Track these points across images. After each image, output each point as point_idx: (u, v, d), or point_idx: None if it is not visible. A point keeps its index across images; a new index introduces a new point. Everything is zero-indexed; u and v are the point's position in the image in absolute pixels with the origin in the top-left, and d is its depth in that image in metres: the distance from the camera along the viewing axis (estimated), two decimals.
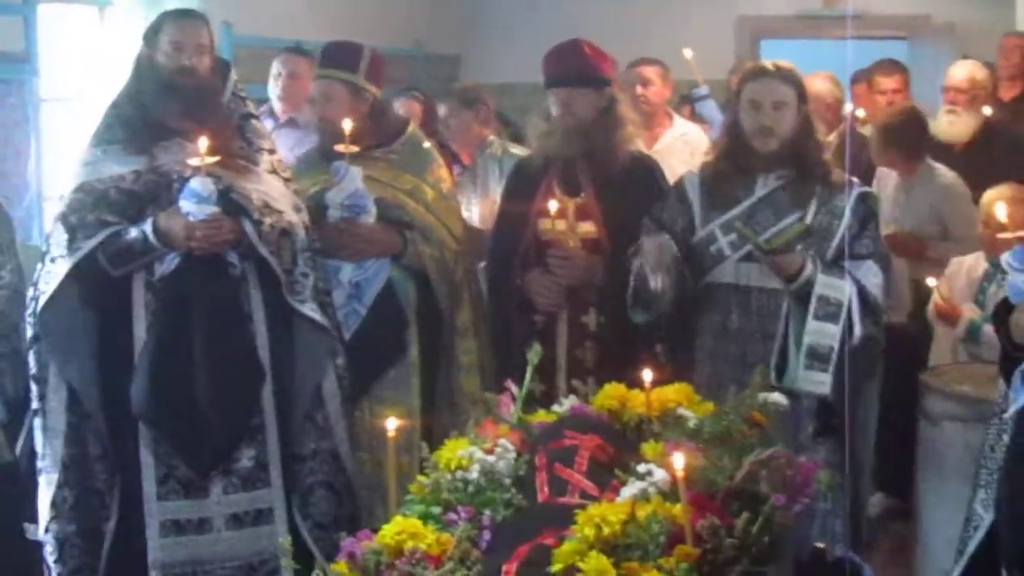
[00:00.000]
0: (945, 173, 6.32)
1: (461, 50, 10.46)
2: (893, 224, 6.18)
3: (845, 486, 4.63)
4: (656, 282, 4.54)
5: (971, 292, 5.68)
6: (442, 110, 6.64)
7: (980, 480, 3.83)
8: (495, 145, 6.33)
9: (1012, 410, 3.62)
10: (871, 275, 4.62)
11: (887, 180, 6.38)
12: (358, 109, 5.04)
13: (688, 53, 7.22)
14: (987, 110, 6.84)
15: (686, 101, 7.95)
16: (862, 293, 4.57)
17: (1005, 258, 3.62)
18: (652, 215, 4.80)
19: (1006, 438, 3.74)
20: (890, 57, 8.01)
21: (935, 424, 4.63)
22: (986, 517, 3.78)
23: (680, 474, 2.84)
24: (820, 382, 4.51)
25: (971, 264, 5.75)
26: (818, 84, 6.88)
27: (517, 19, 10.28)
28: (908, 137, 6.37)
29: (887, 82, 7.55)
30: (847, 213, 4.63)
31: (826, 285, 4.51)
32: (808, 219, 4.60)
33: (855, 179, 4.76)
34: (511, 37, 9.98)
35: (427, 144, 5.32)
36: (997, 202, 5.45)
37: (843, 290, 4.53)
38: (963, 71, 7.04)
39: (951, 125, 6.71)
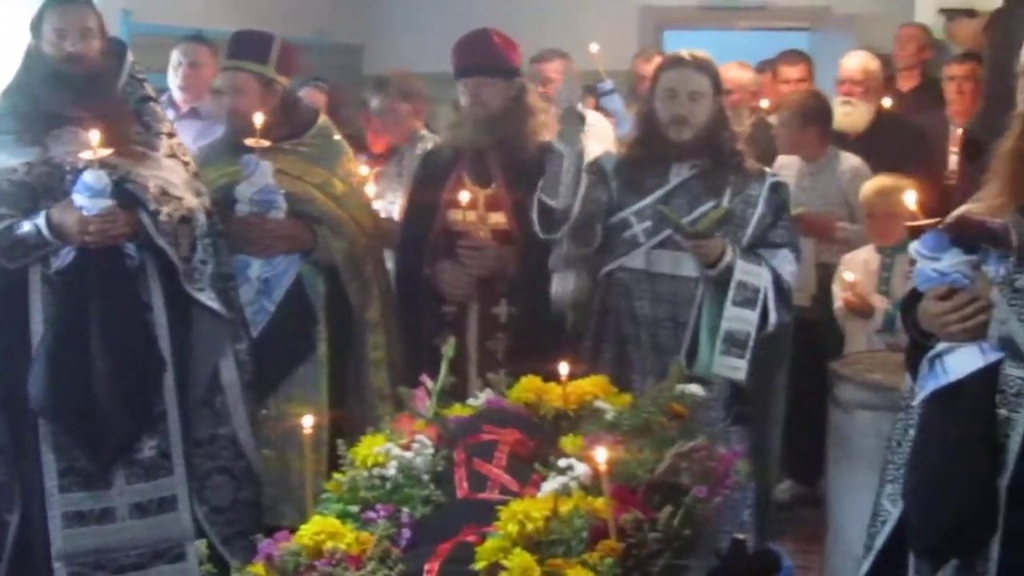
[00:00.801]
0: (850, 157, 6.40)
1: (364, 39, 10.37)
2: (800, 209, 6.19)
3: (754, 475, 4.65)
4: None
5: (873, 284, 5.73)
6: (375, 101, 6.51)
7: (887, 475, 3.83)
8: (426, 138, 6.25)
9: (919, 397, 3.64)
10: (786, 263, 4.67)
11: (788, 169, 6.39)
12: (269, 101, 4.95)
13: (594, 48, 7.20)
14: (887, 101, 6.89)
15: (591, 92, 7.93)
16: (777, 281, 4.60)
17: (914, 247, 3.63)
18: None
19: (912, 432, 3.78)
20: (793, 48, 8.09)
21: (847, 412, 4.65)
22: (893, 511, 3.78)
23: (603, 468, 2.81)
24: (737, 368, 4.54)
25: (866, 257, 5.81)
26: (737, 72, 6.92)
27: (419, 8, 10.22)
28: (822, 118, 6.45)
29: (791, 71, 7.63)
30: (761, 202, 4.66)
31: (745, 271, 4.55)
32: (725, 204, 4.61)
33: (768, 168, 4.78)
34: (414, 26, 9.91)
35: (338, 136, 5.24)
36: (881, 192, 5.54)
37: (761, 277, 4.58)
38: (856, 62, 7.10)
39: (846, 116, 6.76)
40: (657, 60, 7.39)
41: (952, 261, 3.50)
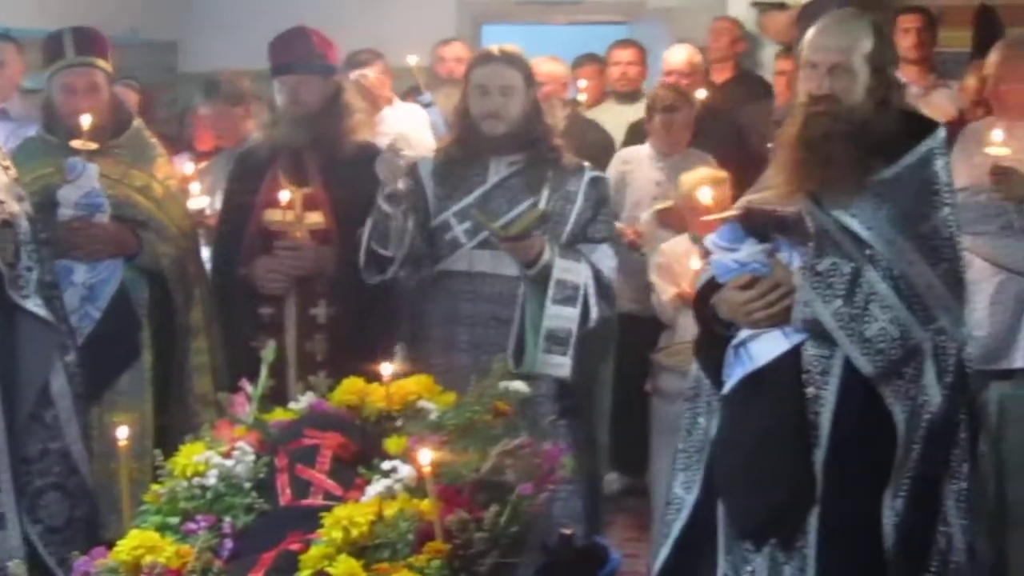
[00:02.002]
0: (703, 153, 6.43)
1: (178, 36, 10.17)
2: (659, 201, 6.27)
3: (583, 467, 4.68)
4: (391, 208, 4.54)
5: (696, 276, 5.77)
6: (204, 108, 6.35)
7: (679, 464, 3.96)
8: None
9: (727, 387, 3.73)
10: (606, 258, 4.70)
11: (636, 162, 6.44)
12: (109, 99, 4.89)
13: (412, 60, 7.20)
14: (701, 93, 6.99)
15: (413, 92, 7.91)
16: (598, 276, 4.63)
17: (711, 239, 3.75)
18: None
19: (702, 420, 3.89)
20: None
21: (670, 402, 4.69)
22: (688, 498, 3.89)
23: (427, 470, 2.79)
24: (560, 365, 4.56)
25: (685, 249, 5.86)
26: (548, 65, 6.94)
27: (235, 5, 10.04)
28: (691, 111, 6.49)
29: (622, 54, 7.68)
30: (579, 197, 4.68)
31: (564, 269, 4.56)
32: (542, 204, 4.62)
33: (587, 163, 4.81)
34: (229, 23, 9.74)
35: (153, 139, 5.13)
36: (700, 187, 5.63)
37: (580, 273, 4.59)
38: (682, 55, 7.21)
39: None
40: (457, 45, 7.48)
41: (750, 251, 3.66)
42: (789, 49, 7.31)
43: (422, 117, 7.03)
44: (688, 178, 5.90)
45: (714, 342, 3.83)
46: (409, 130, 6.68)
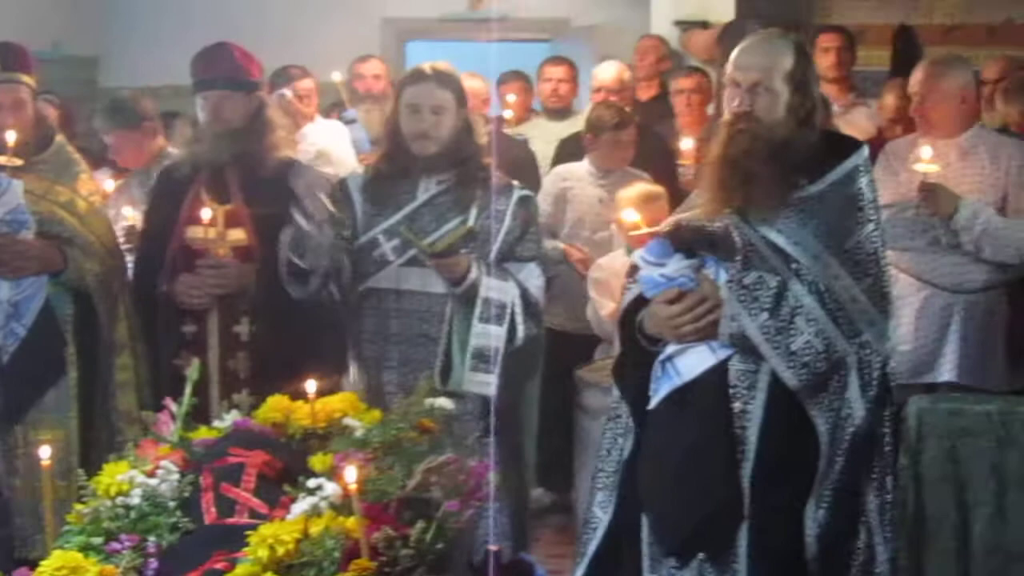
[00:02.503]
0: (640, 172, 6.47)
1: (100, 52, 10.10)
2: (601, 218, 6.35)
3: (510, 484, 4.69)
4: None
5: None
6: (109, 138, 6.26)
7: (598, 483, 3.97)
8: (173, 155, 6.06)
9: (654, 401, 3.75)
10: (533, 277, 4.70)
11: (576, 179, 6.46)
12: (33, 115, 4.84)
13: (336, 76, 7.20)
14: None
15: (337, 107, 7.90)
16: (525, 295, 4.63)
17: (639, 254, 3.78)
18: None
19: (621, 440, 3.91)
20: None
21: (594, 418, 4.72)
22: (604, 518, 3.91)
23: (353, 488, 2.79)
24: (486, 383, 4.56)
25: (623, 264, 5.88)
26: (469, 81, 6.93)
27: (158, 20, 10.01)
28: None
29: (554, 71, 7.71)
30: (508, 216, 4.68)
31: (491, 288, 4.56)
32: (470, 222, 4.62)
33: (516, 182, 4.82)
34: (152, 39, 9.71)
35: (75, 154, 5.07)
36: (636, 203, 5.67)
37: (508, 292, 4.59)
38: (612, 71, 7.26)
39: None
40: (375, 62, 7.48)
41: (677, 266, 3.68)
42: (694, 69, 7.40)
43: (343, 133, 7.03)
44: (625, 195, 5.93)
45: (637, 361, 3.84)
46: (330, 147, 6.69)
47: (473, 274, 4.52)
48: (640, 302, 3.81)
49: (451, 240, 4.50)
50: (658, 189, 5.94)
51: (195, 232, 4.78)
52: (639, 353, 3.84)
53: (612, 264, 5.94)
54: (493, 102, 8.06)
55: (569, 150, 6.98)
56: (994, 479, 3.29)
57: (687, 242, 3.74)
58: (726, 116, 3.73)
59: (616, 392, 3.96)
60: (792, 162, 3.61)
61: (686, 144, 6.58)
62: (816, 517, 3.54)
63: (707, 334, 3.64)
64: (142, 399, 4.84)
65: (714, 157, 3.70)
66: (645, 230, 3.78)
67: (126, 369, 4.94)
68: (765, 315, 3.52)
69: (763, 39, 3.77)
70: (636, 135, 6.51)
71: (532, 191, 4.97)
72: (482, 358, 4.55)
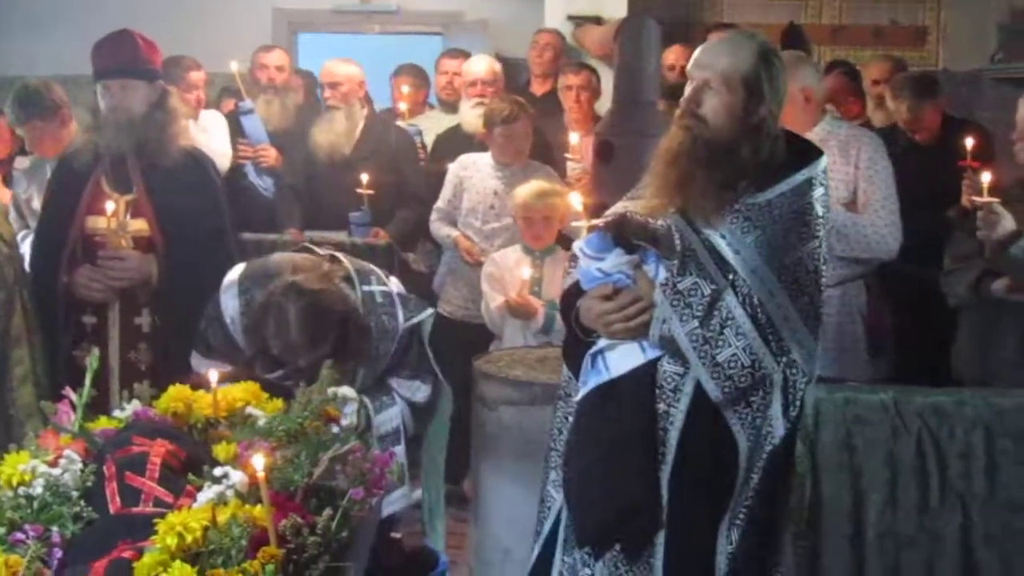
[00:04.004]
0: (543, 165, 6.55)
1: None
2: (494, 211, 6.41)
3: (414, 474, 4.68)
4: None
5: (527, 286, 5.85)
6: (23, 129, 6.07)
7: (551, 462, 3.95)
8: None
9: (581, 393, 3.76)
10: (419, 392, 4.53)
11: (475, 169, 6.51)
12: None
13: (234, 66, 7.17)
14: None
15: (228, 94, 7.85)
16: (412, 406, 4.49)
17: (578, 245, 3.75)
18: (203, 338, 4.44)
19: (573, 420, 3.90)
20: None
21: (492, 409, 4.75)
22: (558, 498, 3.90)
23: (261, 476, 2.80)
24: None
25: (516, 259, 5.94)
26: (344, 67, 6.93)
27: (40, 9, 9.84)
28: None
29: (451, 63, 7.76)
30: (391, 352, 4.39)
31: (381, 423, 4.40)
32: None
33: (400, 316, 4.42)
34: (34, 28, 9.56)
35: None
36: (520, 199, 5.76)
37: (396, 417, 4.44)
38: (485, 64, 7.29)
39: (480, 118, 6.88)
40: (279, 52, 7.44)
41: (615, 261, 3.64)
42: (582, 65, 7.47)
43: (220, 124, 6.99)
44: (522, 190, 5.99)
45: (579, 346, 3.83)
46: (205, 138, 6.57)
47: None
48: (581, 289, 3.78)
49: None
50: (552, 186, 6.00)
51: (96, 222, 4.77)
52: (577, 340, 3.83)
53: (505, 259, 6.00)
54: (384, 94, 8.11)
55: (445, 144, 7.10)
56: (887, 467, 3.37)
57: (631, 237, 3.69)
58: (683, 108, 3.65)
59: (566, 371, 3.94)
60: (735, 169, 3.55)
61: (573, 139, 6.67)
62: (729, 536, 3.54)
63: (638, 333, 3.62)
64: (41, 391, 4.78)
65: (660, 151, 3.65)
66: (586, 222, 3.76)
67: (23, 361, 4.88)
68: (695, 323, 3.49)
69: (727, 39, 3.70)
70: (530, 129, 6.53)
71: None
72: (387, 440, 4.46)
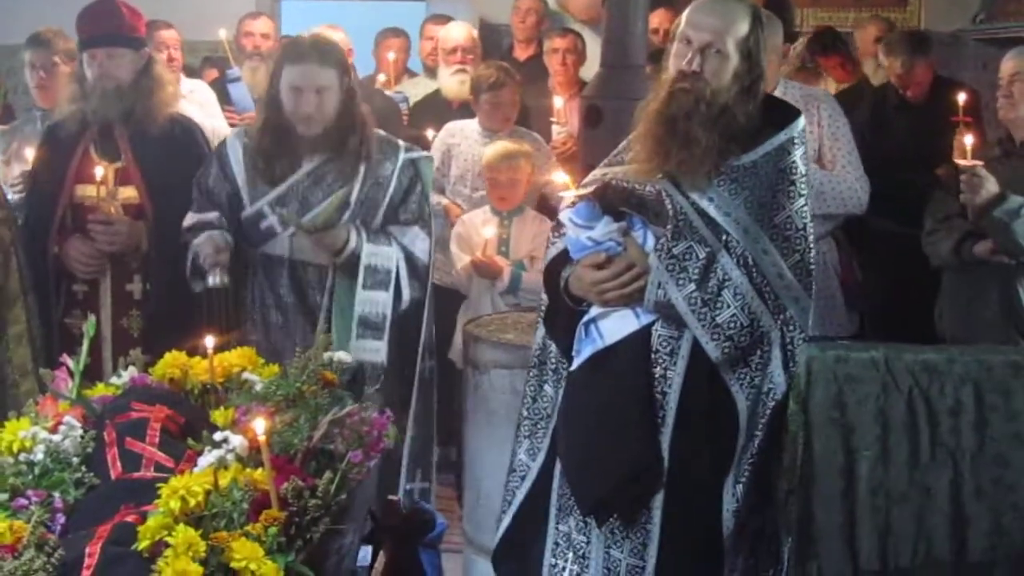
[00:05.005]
0: (530, 132, 6.58)
1: None
2: (480, 179, 6.34)
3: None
4: (215, 278, 4.50)
5: (494, 247, 5.88)
6: (38, 74, 5.98)
7: (523, 430, 3.98)
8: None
9: (576, 363, 3.77)
10: (418, 240, 4.74)
11: (463, 137, 6.50)
12: None
13: (223, 34, 7.14)
14: None
15: (210, 63, 7.84)
16: (410, 259, 4.67)
17: (567, 215, 3.74)
18: (198, 183, 4.75)
19: (548, 388, 3.92)
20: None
21: (484, 372, 4.79)
22: (532, 466, 3.94)
23: (263, 439, 2.82)
24: (375, 350, 4.59)
25: (483, 219, 5.97)
26: (330, 34, 6.90)
27: None
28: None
29: (435, 29, 7.68)
30: (393, 181, 4.71)
31: (372, 254, 4.58)
32: (354, 194, 4.64)
33: (404, 143, 4.82)
34: None
35: None
36: (487, 160, 5.82)
37: (390, 257, 4.62)
38: (462, 31, 7.27)
39: (463, 84, 6.87)
40: (265, 20, 7.42)
41: (605, 230, 3.63)
42: (567, 30, 7.46)
43: (207, 95, 6.97)
44: (490, 150, 6.02)
45: (562, 311, 3.84)
46: (191, 108, 6.55)
47: (352, 243, 4.56)
48: (565, 258, 3.80)
49: (326, 215, 4.51)
50: (519, 147, 6.03)
51: (85, 190, 4.77)
52: (562, 306, 3.84)
53: (473, 220, 6.05)
54: (364, 60, 8.09)
55: (424, 110, 7.09)
56: (879, 424, 3.40)
57: (615, 204, 3.71)
58: (670, 72, 3.65)
59: (540, 339, 3.95)
60: (730, 131, 3.57)
61: (558, 103, 6.68)
62: (735, 492, 3.57)
63: (632, 300, 3.64)
64: (35, 352, 4.79)
65: (651, 113, 3.64)
66: (574, 192, 3.76)
67: (19, 321, 4.87)
68: (692, 286, 3.51)
69: (719, 2, 3.67)
70: (517, 96, 6.54)
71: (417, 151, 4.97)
72: (369, 325, 4.58)
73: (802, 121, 3.70)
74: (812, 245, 3.66)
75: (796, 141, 3.64)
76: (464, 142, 6.50)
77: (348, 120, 4.66)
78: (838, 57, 7.55)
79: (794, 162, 3.62)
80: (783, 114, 3.71)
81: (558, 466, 3.83)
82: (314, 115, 4.58)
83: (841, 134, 5.22)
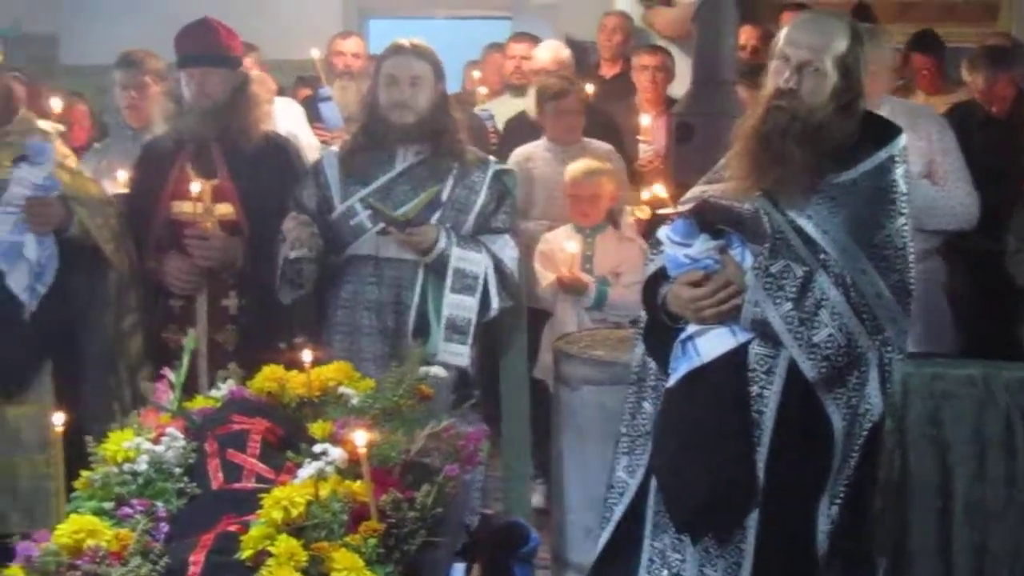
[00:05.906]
0: (602, 144, 6.46)
1: (59, 29, 10.05)
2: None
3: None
4: (297, 251, 4.60)
5: (577, 263, 5.87)
6: (129, 94, 6.09)
7: (622, 447, 3.96)
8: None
9: (673, 379, 3.77)
10: (507, 248, 4.80)
11: (537, 158, 6.38)
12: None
13: (315, 53, 7.23)
14: (590, 88, 7.02)
15: (302, 82, 7.93)
16: (499, 266, 4.72)
17: (664, 232, 3.74)
18: (294, 197, 4.84)
19: (647, 405, 3.91)
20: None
21: (574, 389, 4.80)
22: (631, 483, 3.92)
23: (363, 452, 2.86)
24: (459, 354, 4.65)
25: (565, 236, 5.96)
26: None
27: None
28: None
29: (518, 47, 7.76)
30: (483, 189, 4.79)
31: (462, 259, 4.66)
32: (445, 193, 4.73)
33: (492, 157, 4.90)
34: (111, 16, 9.67)
35: (43, 124, 5.06)
36: (571, 177, 5.82)
37: (480, 263, 4.69)
38: (548, 53, 7.29)
39: None
40: (355, 40, 7.53)
41: (702, 247, 3.62)
42: (656, 47, 7.45)
43: (297, 112, 7.06)
44: (573, 167, 6.00)
45: (661, 328, 3.83)
46: (286, 126, 6.63)
47: (441, 244, 4.64)
48: (662, 275, 3.79)
49: (417, 207, 4.58)
50: (601, 164, 6.01)
51: (182, 207, 4.84)
52: (660, 323, 3.83)
53: (556, 237, 6.02)
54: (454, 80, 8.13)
55: (513, 129, 7.03)
56: (975, 441, 3.37)
57: (713, 222, 3.69)
58: (768, 89, 3.65)
59: (639, 356, 3.96)
60: (826, 148, 3.56)
61: (645, 121, 6.66)
62: (829, 514, 3.55)
63: (729, 318, 3.62)
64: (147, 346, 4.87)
65: (748, 130, 3.64)
66: (671, 209, 3.77)
67: (132, 311, 4.92)
68: (789, 305, 3.50)
69: (818, 17, 3.71)
70: (581, 105, 6.45)
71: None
72: (455, 328, 4.65)
73: (903, 139, 3.68)
74: (912, 264, 3.64)
75: (897, 159, 3.62)
76: (540, 162, 6.35)
77: (441, 117, 4.81)
78: (932, 59, 7.45)
79: (895, 180, 3.61)
80: (883, 131, 3.69)
81: (654, 483, 3.83)
82: (408, 102, 4.75)
83: (951, 148, 5.17)
